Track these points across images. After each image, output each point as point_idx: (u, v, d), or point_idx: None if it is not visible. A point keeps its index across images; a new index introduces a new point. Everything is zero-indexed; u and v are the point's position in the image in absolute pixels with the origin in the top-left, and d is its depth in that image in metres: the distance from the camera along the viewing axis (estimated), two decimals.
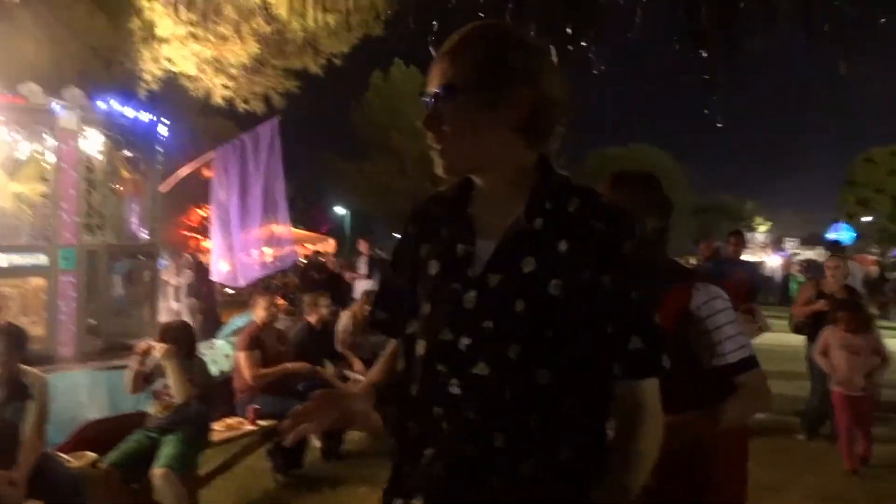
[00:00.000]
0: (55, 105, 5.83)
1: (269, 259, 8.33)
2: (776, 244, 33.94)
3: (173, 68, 7.75)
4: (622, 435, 1.16)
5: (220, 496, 4.39)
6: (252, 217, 7.64)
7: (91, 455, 3.73)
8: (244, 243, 7.72)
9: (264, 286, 10.03)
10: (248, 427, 4.57)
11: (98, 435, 3.97)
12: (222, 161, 7.91)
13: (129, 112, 6.64)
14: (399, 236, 1.39)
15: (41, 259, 5.68)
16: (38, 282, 5.67)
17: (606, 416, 1.19)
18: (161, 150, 7.28)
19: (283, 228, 8.08)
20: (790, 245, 31.80)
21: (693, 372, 1.71)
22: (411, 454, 1.19)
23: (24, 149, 6.04)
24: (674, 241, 1.98)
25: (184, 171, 8.36)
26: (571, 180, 1.23)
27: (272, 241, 8.16)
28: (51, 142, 5.95)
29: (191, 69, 7.74)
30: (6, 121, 5.67)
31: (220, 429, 4.44)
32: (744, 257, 7.21)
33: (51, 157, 5.93)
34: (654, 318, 1.17)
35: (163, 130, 7.13)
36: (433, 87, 1.19)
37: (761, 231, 40.14)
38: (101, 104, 6.31)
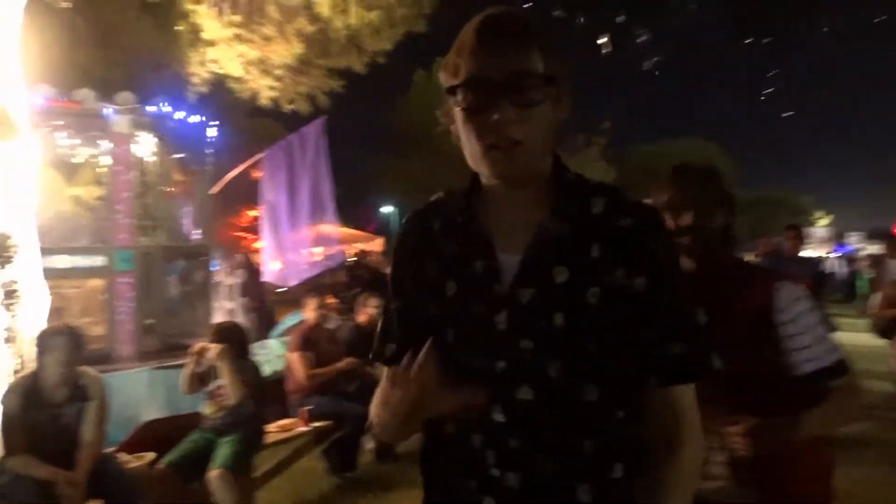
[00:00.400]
0: (108, 109, 5.95)
1: (318, 258, 8.35)
2: (838, 239, 32.56)
3: (220, 70, 7.83)
4: (665, 447, 1.08)
5: (276, 497, 4.38)
6: (300, 217, 7.67)
7: (150, 455, 3.75)
8: (294, 243, 7.75)
9: (314, 286, 10.09)
10: (302, 428, 4.55)
11: (156, 434, 4.00)
12: (270, 162, 7.96)
13: (179, 115, 6.74)
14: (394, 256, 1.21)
15: (99, 260, 5.81)
16: (96, 283, 5.80)
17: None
18: (211, 151, 7.37)
19: (331, 227, 8.09)
20: (853, 240, 30.48)
21: (772, 377, 1.59)
22: (450, 489, 1.10)
23: (80, 153, 6.17)
24: None
25: (233, 173, 8.44)
26: (588, 179, 1.12)
27: (321, 240, 8.18)
28: (105, 146, 6.06)
29: (237, 70, 7.81)
30: (62, 126, 5.80)
31: (274, 430, 4.43)
32: (804, 253, 6.85)
33: (105, 161, 6.05)
34: (699, 317, 1.09)
35: (212, 132, 7.22)
36: (501, 72, 1.00)
37: (821, 225, 38.64)
38: (151, 108, 6.41)
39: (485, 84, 1.01)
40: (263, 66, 7.97)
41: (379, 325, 1.24)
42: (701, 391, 1.11)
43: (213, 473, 3.58)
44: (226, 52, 7.57)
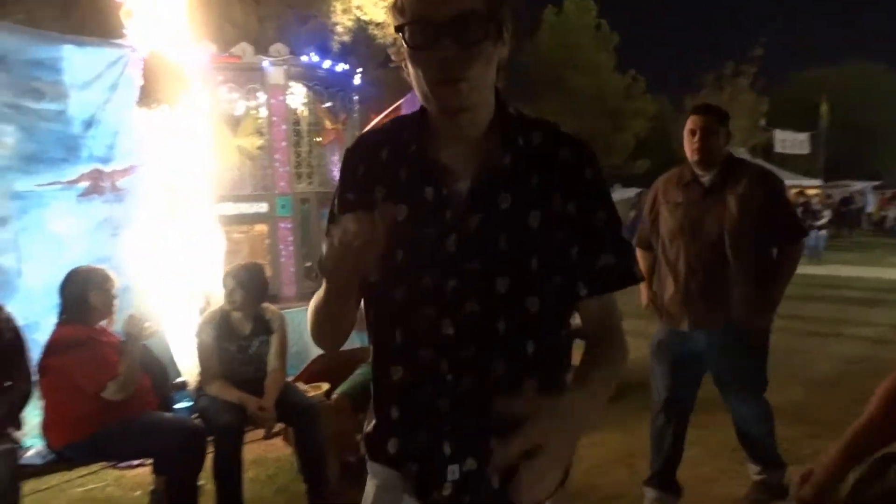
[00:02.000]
0: (265, 62, 6.21)
1: None
2: None
3: (363, 17, 7.94)
4: (595, 342, 1.23)
5: None
6: None
7: (325, 385, 4.00)
8: None
9: None
10: None
11: (327, 368, 4.25)
12: (410, 107, 8.02)
13: (326, 64, 6.92)
14: (341, 178, 1.30)
15: (263, 207, 6.17)
16: (261, 228, 6.19)
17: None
18: (356, 99, 7.53)
19: None
20: None
21: None
22: (400, 397, 1.21)
23: (241, 105, 6.52)
24: None
25: (376, 120, 8.60)
26: (527, 114, 1.23)
27: None
28: (262, 97, 6.36)
29: (379, 15, 7.89)
30: (224, 80, 6.14)
31: None
32: None
33: (263, 112, 6.36)
34: (622, 235, 1.22)
35: (357, 80, 7.36)
36: (444, 12, 1.06)
37: None
38: (303, 58, 6.62)
39: (428, 23, 1.07)
40: None
41: (326, 244, 1.26)
42: None
43: None
44: None
